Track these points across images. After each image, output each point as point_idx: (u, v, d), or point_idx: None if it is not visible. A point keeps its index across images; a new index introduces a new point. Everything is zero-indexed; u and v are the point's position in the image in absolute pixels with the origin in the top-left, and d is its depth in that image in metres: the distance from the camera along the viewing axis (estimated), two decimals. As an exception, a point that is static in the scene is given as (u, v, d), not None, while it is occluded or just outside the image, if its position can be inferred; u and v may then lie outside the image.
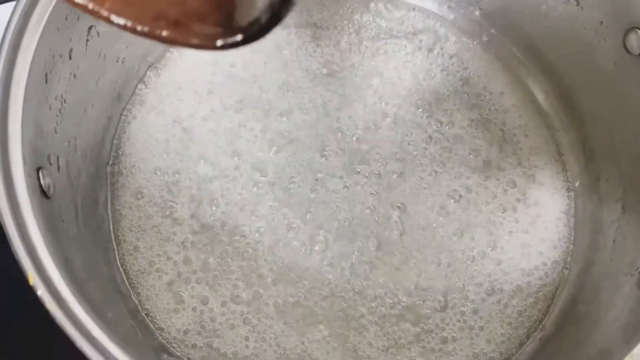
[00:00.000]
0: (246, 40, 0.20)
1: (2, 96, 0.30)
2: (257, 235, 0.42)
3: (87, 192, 0.39)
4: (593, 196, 0.44)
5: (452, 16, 0.50)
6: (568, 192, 0.46)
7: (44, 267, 0.27)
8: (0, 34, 0.32)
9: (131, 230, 0.41)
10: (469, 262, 0.43)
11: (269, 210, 0.43)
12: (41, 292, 0.27)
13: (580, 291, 0.42)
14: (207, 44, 0.20)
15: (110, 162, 0.43)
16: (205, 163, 0.44)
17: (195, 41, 0.20)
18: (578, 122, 0.47)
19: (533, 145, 0.47)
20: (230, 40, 0.20)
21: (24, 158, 0.30)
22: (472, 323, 0.41)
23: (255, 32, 0.20)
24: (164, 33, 0.19)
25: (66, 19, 0.35)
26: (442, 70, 0.48)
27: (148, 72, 0.46)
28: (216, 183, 0.43)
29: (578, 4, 0.43)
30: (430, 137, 0.46)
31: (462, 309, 0.42)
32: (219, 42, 0.20)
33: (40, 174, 0.32)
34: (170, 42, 0.20)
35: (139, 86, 0.46)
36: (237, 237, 0.42)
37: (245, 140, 0.45)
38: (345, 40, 0.49)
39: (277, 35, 0.48)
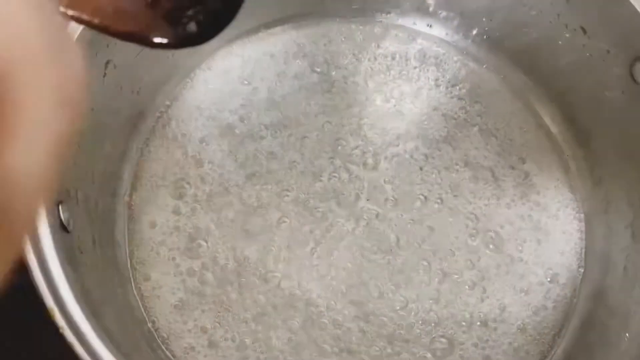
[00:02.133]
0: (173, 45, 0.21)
1: (24, 135, 0.32)
2: (271, 265, 0.43)
3: (104, 223, 0.40)
4: (602, 223, 0.45)
5: (462, 43, 0.50)
6: (577, 218, 0.46)
7: (65, 302, 0.28)
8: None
9: (146, 260, 0.42)
10: (475, 288, 0.43)
11: (281, 241, 0.43)
12: (62, 326, 0.28)
13: (591, 319, 0.42)
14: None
15: (127, 192, 0.44)
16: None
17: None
18: (586, 148, 0.47)
19: (541, 170, 0.47)
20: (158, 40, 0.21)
21: (45, 194, 0.31)
22: (480, 351, 0.42)
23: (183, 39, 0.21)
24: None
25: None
26: (451, 95, 0.49)
27: (165, 102, 0.47)
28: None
29: (585, 33, 0.43)
30: (437, 162, 0.46)
31: (470, 338, 0.42)
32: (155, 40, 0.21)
33: (60, 208, 0.33)
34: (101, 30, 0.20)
35: (156, 116, 0.47)
36: (251, 269, 0.42)
37: (265, 168, 0.45)
38: (358, 69, 0.49)
39: (293, 63, 0.49)
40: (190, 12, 0.21)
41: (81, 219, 0.36)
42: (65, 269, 0.30)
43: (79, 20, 0.19)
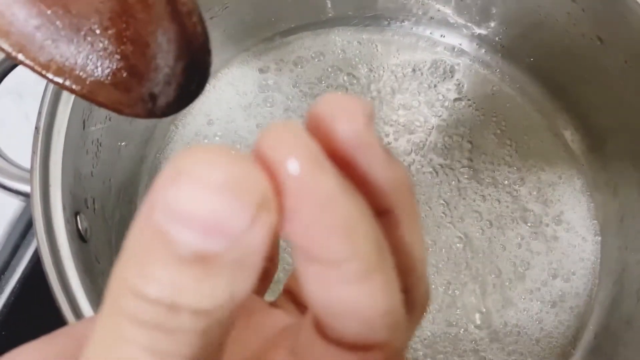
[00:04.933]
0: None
1: (44, 146, 0.32)
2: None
3: (121, 231, 0.41)
4: (618, 233, 0.44)
5: (476, 53, 0.50)
6: (593, 228, 0.46)
7: (82, 313, 0.29)
8: (42, 84, 0.34)
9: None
10: (488, 297, 0.43)
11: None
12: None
13: (605, 330, 0.42)
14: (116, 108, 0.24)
15: (144, 200, 0.44)
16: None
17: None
18: (602, 158, 0.47)
19: (558, 179, 0.47)
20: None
21: (63, 205, 0.31)
22: (496, 361, 0.42)
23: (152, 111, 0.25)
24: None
25: (103, 67, 0.36)
26: (466, 105, 0.49)
27: (181, 110, 0.47)
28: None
29: (602, 42, 0.43)
30: (454, 172, 0.46)
31: (481, 347, 0.42)
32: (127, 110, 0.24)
33: (78, 218, 0.33)
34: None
35: (171, 124, 0.47)
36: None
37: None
38: (372, 78, 0.50)
39: (309, 72, 0.49)
40: (152, 93, 0.24)
41: (98, 228, 0.37)
42: (83, 279, 0.30)
43: (62, 87, 0.22)
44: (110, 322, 0.10)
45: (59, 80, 0.23)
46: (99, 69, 0.23)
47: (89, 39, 0.22)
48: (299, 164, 0.10)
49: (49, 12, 0.22)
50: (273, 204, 0.10)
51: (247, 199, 0.09)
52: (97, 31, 0.22)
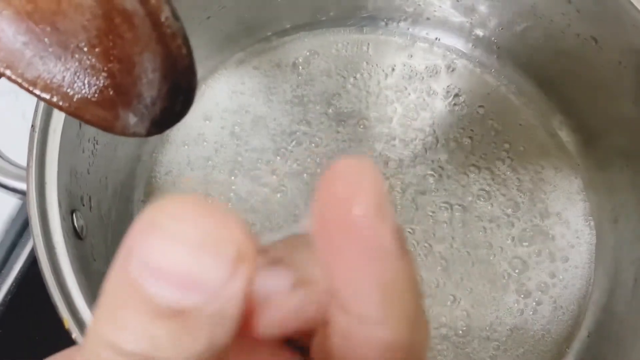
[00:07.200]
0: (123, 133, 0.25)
1: (40, 144, 0.32)
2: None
3: (117, 229, 0.41)
4: (612, 233, 0.45)
5: (472, 53, 0.50)
6: (588, 227, 0.46)
7: (78, 310, 0.29)
8: (38, 83, 0.34)
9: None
10: (484, 296, 0.43)
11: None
12: (75, 335, 0.28)
13: (600, 329, 0.42)
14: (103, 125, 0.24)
15: (142, 198, 0.45)
16: (237, 201, 0.45)
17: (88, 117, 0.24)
18: (597, 158, 0.47)
19: (553, 179, 0.47)
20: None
21: (59, 202, 0.32)
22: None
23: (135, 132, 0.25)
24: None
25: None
26: (461, 106, 0.49)
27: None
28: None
29: (596, 43, 0.43)
30: (449, 174, 0.47)
31: (478, 347, 0.42)
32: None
33: (74, 216, 0.33)
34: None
35: (167, 124, 0.47)
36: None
37: (271, 174, 0.46)
38: (367, 79, 0.50)
39: (304, 72, 0.49)
40: (138, 112, 0.24)
41: (94, 226, 0.37)
42: (79, 278, 0.30)
43: (50, 103, 0.22)
44: None
45: (46, 96, 0.23)
46: (86, 86, 0.23)
47: (76, 56, 0.22)
48: (363, 207, 0.10)
49: (37, 29, 0.22)
50: (250, 254, 0.10)
51: (224, 254, 0.09)
52: (85, 49, 0.22)
